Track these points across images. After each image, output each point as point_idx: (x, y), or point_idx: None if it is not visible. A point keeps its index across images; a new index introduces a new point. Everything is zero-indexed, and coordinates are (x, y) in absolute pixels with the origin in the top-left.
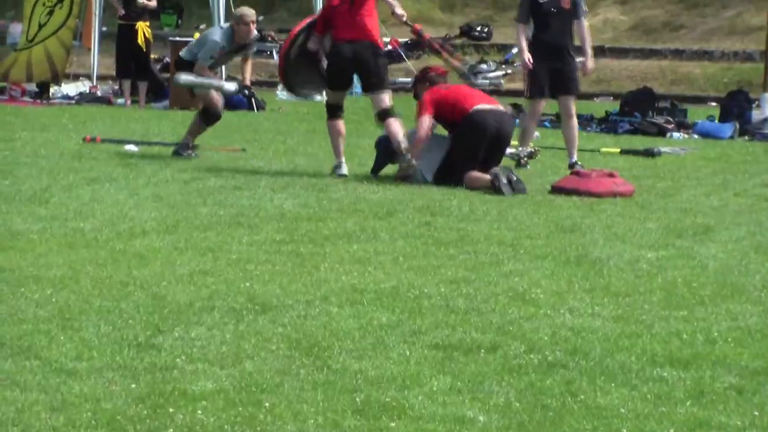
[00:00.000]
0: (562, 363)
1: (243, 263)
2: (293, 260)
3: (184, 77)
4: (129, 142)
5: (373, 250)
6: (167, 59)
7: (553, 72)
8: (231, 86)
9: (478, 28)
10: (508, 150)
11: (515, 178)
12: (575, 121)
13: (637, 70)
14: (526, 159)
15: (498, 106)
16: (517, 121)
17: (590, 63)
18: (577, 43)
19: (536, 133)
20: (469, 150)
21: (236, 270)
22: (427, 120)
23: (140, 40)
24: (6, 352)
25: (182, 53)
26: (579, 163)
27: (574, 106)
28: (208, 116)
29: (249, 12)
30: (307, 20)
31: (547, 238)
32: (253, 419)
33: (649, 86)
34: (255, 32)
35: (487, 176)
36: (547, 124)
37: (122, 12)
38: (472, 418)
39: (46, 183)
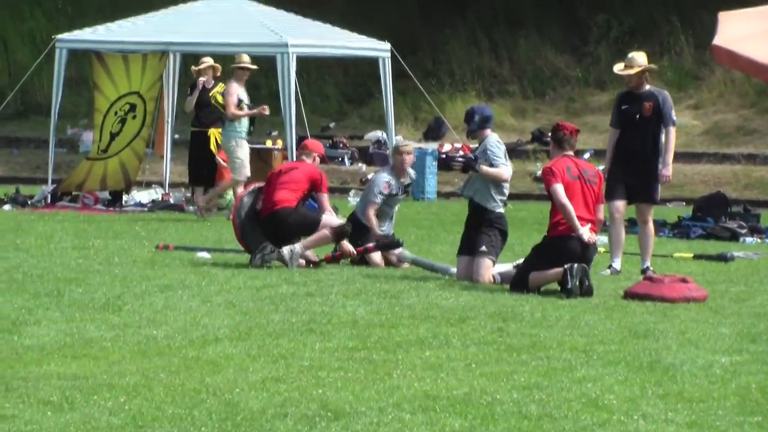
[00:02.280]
0: None
1: (315, 370)
2: (366, 367)
3: (409, 254)
4: (201, 250)
5: (446, 356)
6: None
7: (631, 178)
8: (453, 269)
9: (550, 134)
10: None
11: (587, 283)
12: (651, 227)
13: (710, 175)
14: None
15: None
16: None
17: (665, 171)
18: None
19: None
20: (546, 266)
21: (309, 377)
22: (560, 189)
23: (212, 146)
24: None
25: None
26: (651, 268)
27: (650, 214)
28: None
29: (406, 142)
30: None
31: (620, 343)
32: None
33: (722, 191)
34: (411, 170)
35: (558, 270)
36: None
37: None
38: None
39: (119, 290)
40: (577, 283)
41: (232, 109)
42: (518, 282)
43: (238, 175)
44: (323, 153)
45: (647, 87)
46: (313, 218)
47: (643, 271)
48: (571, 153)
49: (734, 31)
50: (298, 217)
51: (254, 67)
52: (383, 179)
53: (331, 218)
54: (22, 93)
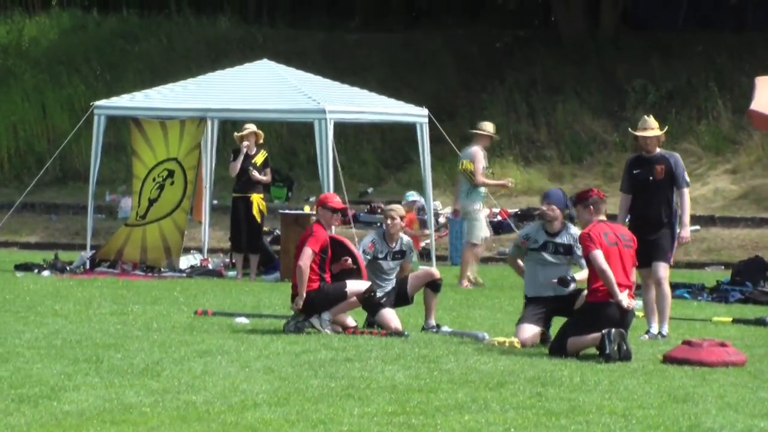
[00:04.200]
0: None
1: None
2: (408, 431)
3: (448, 329)
4: (240, 315)
5: (485, 420)
6: (278, 232)
7: (645, 242)
8: (480, 334)
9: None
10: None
11: (625, 347)
12: (666, 289)
13: (748, 239)
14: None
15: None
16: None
17: (684, 233)
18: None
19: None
20: (585, 331)
21: None
22: (599, 256)
23: (255, 211)
24: None
25: None
26: (665, 334)
27: (665, 275)
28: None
29: (395, 207)
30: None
31: (659, 408)
32: None
33: (761, 255)
34: (403, 234)
35: (596, 335)
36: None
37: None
38: None
39: (158, 356)
40: (616, 348)
41: (480, 177)
42: (557, 347)
43: (474, 239)
44: (332, 204)
45: (658, 150)
46: (338, 293)
47: (657, 335)
48: (604, 218)
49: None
50: (322, 298)
51: (496, 136)
52: (368, 239)
53: (357, 285)
54: (61, 159)
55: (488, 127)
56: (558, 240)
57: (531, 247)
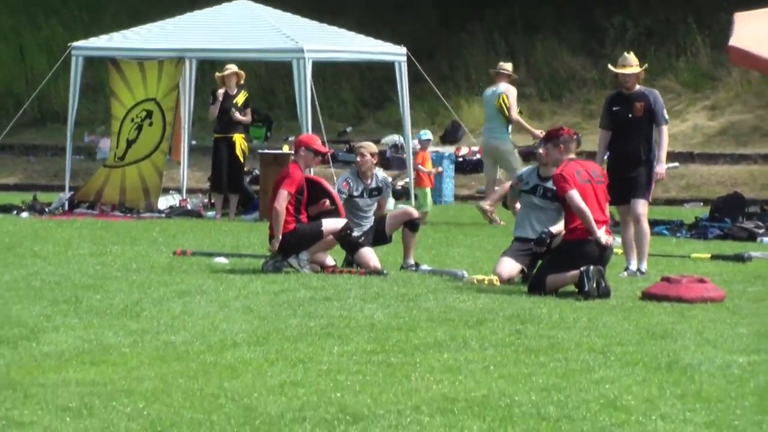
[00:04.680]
0: None
1: (334, 374)
2: (384, 370)
3: (427, 268)
4: (219, 255)
5: (464, 359)
6: (257, 171)
7: (624, 179)
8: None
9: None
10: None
11: (604, 284)
12: (645, 226)
13: (727, 176)
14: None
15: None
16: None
17: (659, 169)
18: None
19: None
20: (564, 269)
21: (327, 380)
22: (575, 195)
23: (238, 151)
24: None
25: None
26: (644, 271)
27: (643, 212)
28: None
29: (365, 144)
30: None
31: (638, 344)
32: None
33: (739, 191)
34: (378, 171)
35: (575, 272)
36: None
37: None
38: None
39: (137, 297)
40: (594, 285)
41: (514, 113)
42: (536, 285)
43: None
44: (309, 143)
45: (637, 87)
46: (314, 233)
47: (636, 272)
48: (574, 156)
49: (750, 32)
50: (299, 238)
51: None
52: (343, 178)
53: (333, 223)
54: (39, 100)
55: (508, 66)
56: (548, 184)
57: (522, 188)
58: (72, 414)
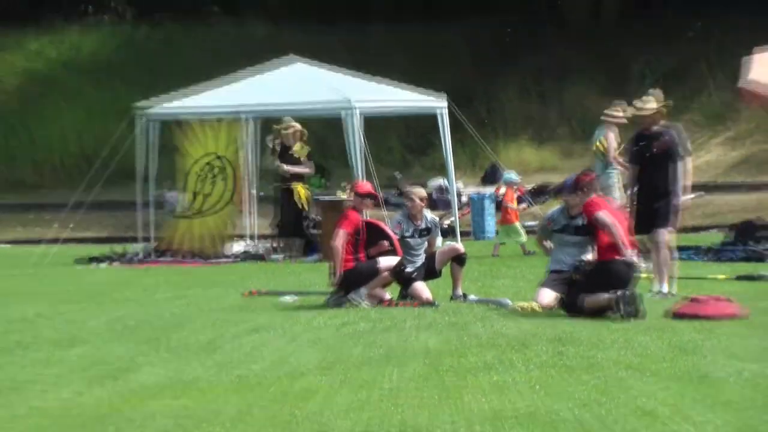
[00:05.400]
0: None
1: (394, 396)
2: (439, 391)
3: (474, 297)
4: (286, 293)
5: (511, 379)
6: (317, 217)
7: (650, 210)
8: (504, 301)
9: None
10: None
11: (642, 307)
12: (665, 253)
13: (747, 203)
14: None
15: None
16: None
17: (677, 201)
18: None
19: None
20: (597, 289)
21: (388, 402)
22: (604, 214)
23: (297, 198)
24: None
25: None
26: (665, 292)
27: (664, 238)
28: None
29: (415, 189)
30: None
31: (671, 360)
32: None
33: (759, 217)
34: (427, 213)
35: (610, 295)
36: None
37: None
38: None
39: (215, 334)
40: (632, 309)
41: (613, 153)
42: (571, 304)
43: None
44: (363, 190)
45: (660, 124)
46: (372, 270)
47: (666, 294)
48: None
49: (759, 74)
50: (357, 275)
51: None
52: (396, 220)
53: (388, 261)
54: (108, 158)
55: (611, 111)
56: (575, 223)
57: (554, 228)
58: None
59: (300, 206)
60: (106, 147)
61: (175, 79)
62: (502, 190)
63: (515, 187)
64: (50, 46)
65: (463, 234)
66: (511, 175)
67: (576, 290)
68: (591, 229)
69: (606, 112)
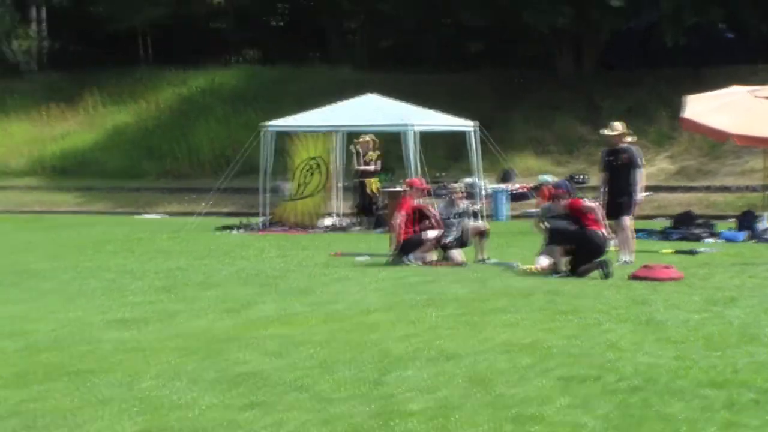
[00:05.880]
0: (640, 386)
1: (434, 329)
2: (466, 326)
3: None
4: (360, 255)
5: (519, 317)
6: (384, 202)
7: (616, 204)
8: (514, 264)
9: (579, 177)
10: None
11: (611, 270)
12: (627, 232)
13: (683, 200)
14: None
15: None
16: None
17: (638, 197)
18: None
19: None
20: (586, 255)
21: (430, 333)
22: (586, 201)
23: (369, 189)
24: (283, 388)
25: None
26: (629, 261)
27: (626, 223)
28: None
29: (455, 186)
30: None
31: (626, 308)
32: (444, 428)
33: (691, 210)
34: (462, 202)
35: (597, 262)
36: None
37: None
38: (584, 423)
39: (310, 282)
40: (609, 270)
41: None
42: (573, 271)
43: None
44: (416, 184)
45: (623, 144)
46: (420, 240)
47: (625, 262)
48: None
49: (694, 108)
50: (410, 243)
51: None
52: (440, 206)
53: (432, 233)
54: (243, 160)
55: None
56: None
57: (550, 215)
58: (272, 355)
59: (371, 194)
60: (240, 151)
61: (287, 105)
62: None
63: (548, 185)
64: (204, 80)
65: (486, 216)
66: (546, 177)
67: (576, 259)
68: (574, 216)
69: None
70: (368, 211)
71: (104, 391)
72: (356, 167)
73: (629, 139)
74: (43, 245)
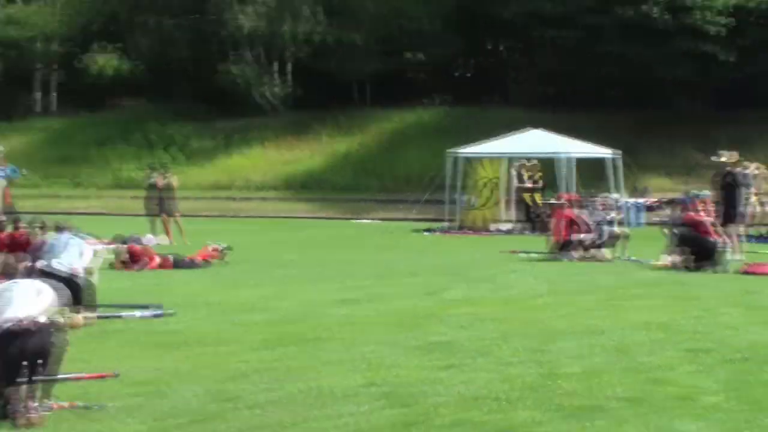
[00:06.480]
0: (750, 357)
1: (586, 310)
2: (611, 309)
3: (633, 258)
4: (528, 252)
5: (652, 303)
6: (546, 211)
7: (728, 214)
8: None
9: (698, 193)
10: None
11: (723, 267)
12: (736, 237)
13: None
14: None
15: None
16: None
17: (743, 209)
18: None
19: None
20: (704, 256)
21: (584, 315)
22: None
23: (532, 201)
24: (471, 353)
25: None
26: (741, 259)
27: (736, 229)
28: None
29: (604, 199)
30: None
31: (739, 296)
32: (596, 386)
33: None
34: (603, 211)
35: (710, 261)
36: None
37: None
38: (707, 386)
39: (490, 272)
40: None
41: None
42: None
43: None
44: (570, 198)
45: (732, 168)
46: (573, 241)
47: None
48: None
49: None
50: (565, 244)
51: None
52: (592, 215)
53: (583, 236)
54: (438, 179)
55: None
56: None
57: (675, 223)
58: (462, 329)
59: (534, 205)
60: (435, 172)
61: (471, 137)
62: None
63: (699, 199)
64: (407, 118)
65: (624, 224)
66: (700, 192)
67: (696, 259)
68: (692, 225)
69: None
70: (532, 219)
71: (332, 354)
72: (522, 185)
73: (737, 163)
74: (287, 242)
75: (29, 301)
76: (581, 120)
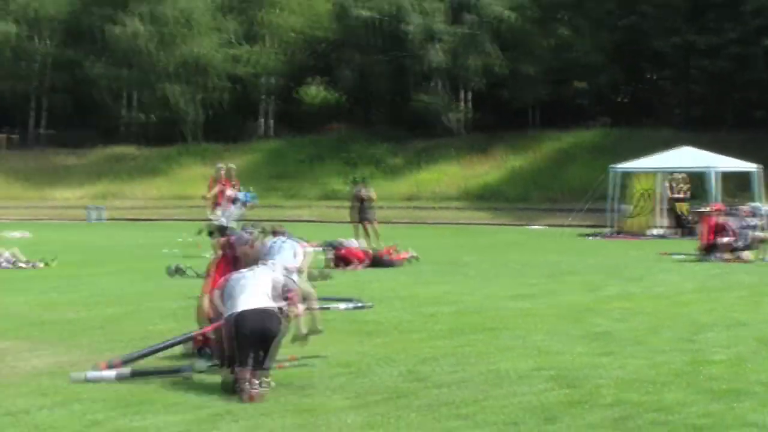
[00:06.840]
0: None
1: (731, 305)
2: (755, 303)
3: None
4: (677, 254)
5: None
6: (695, 219)
7: None
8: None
9: None
10: None
11: None
12: None
13: None
14: None
15: None
16: None
17: None
18: None
19: None
20: None
21: (728, 308)
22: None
23: (680, 211)
24: (625, 342)
25: None
26: None
27: None
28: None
29: (743, 208)
30: None
31: None
32: (740, 373)
33: None
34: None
35: None
36: None
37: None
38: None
39: (642, 272)
40: None
41: None
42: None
43: None
44: (716, 207)
45: None
46: (717, 244)
47: None
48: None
49: None
50: (711, 246)
51: None
52: (737, 221)
53: (726, 239)
54: (599, 190)
55: None
56: None
57: None
58: (617, 321)
59: (682, 214)
60: (596, 184)
61: (628, 154)
62: None
63: None
64: (572, 138)
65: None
66: None
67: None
68: None
69: None
70: (682, 226)
71: (507, 341)
72: (671, 195)
73: None
74: (467, 246)
75: (262, 289)
76: (725, 138)
